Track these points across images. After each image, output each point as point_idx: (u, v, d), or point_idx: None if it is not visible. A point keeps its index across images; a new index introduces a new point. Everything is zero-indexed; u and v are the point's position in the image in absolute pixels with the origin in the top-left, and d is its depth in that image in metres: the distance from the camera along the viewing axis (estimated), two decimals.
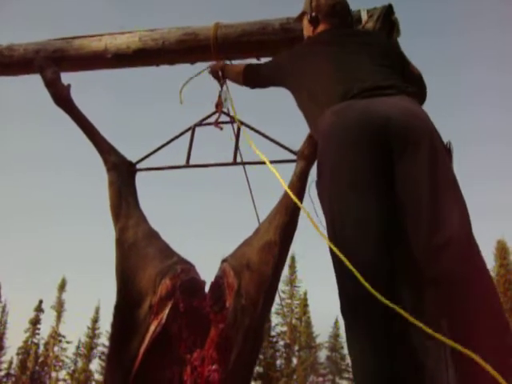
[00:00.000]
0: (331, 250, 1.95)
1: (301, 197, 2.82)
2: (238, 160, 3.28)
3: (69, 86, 3.40)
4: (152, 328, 2.62)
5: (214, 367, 2.49)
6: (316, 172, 2.21)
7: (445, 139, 2.08)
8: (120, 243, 2.99)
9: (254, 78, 3.03)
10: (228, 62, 3.49)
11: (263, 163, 3.07)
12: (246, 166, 3.40)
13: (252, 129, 3.31)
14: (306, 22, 2.80)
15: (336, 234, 1.92)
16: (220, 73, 3.34)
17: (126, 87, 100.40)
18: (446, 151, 2.04)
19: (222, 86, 3.44)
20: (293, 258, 48.79)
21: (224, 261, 2.84)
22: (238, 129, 3.33)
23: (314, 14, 2.71)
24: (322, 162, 2.11)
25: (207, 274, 2.84)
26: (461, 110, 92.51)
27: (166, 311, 2.64)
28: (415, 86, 2.46)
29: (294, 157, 3.06)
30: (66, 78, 3.48)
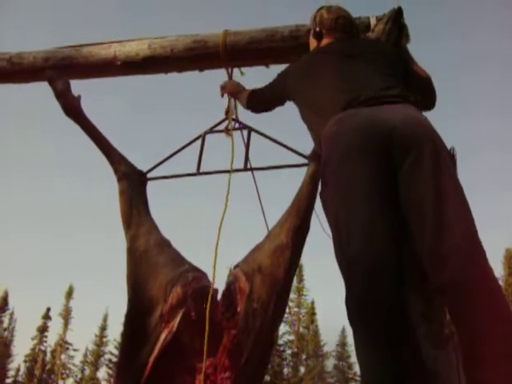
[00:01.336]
0: (338, 257, 1.94)
1: (313, 200, 2.82)
2: (248, 166, 3.28)
3: (79, 96, 3.42)
4: (163, 336, 2.61)
5: (226, 375, 2.48)
6: (320, 181, 2.21)
7: (449, 146, 2.08)
8: (131, 252, 2.98)
9: (258, 97, 3.02)
10: (237, 73, 3.50)
11: (274, 168, 3.05)
12: (258, 172, 3.38)
13: (262, 134, 3.31)
14: (311, 37, 2.84)
15: (342, 243, 1.90)
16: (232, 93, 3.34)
17: (135, 96, 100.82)
18: (450, 158, 2.03)
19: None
20: (300, 267, 48.72)
21: (236, 266, 2.83)
22: (248, 135, 3.33)
23: (317, 28, 2.74)
24: (326, 170, 2.10)
25: (220, 281, 2.84)
26: (470, 116, 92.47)
27: (177, 319, 2.63)
28: (423, 91, 2.46)
29: (305, 161, 3.06)
30: (75, 84, 3.50)
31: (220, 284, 2.83)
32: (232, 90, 3.37)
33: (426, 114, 2.28)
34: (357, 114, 2.10)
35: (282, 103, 2.92)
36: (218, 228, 2.79)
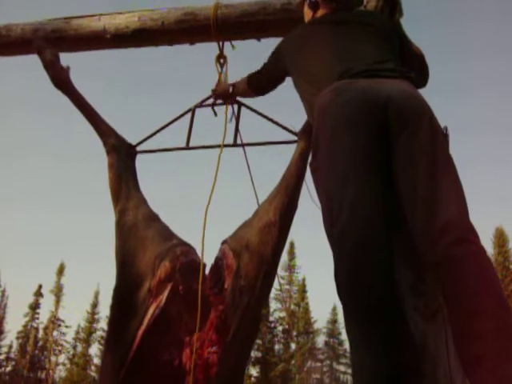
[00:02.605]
0: (327, 229, 1.93)
1: (301, 178, 2.81)
2: (238, 141, 3.26)
3: (68, 68, 3.37)
4: (151, 310, 2.61)
5: (213, 349, 2.48)
6: (311, 151, 2.18)
7: (443, 124, 2.07)
8: (119, 225, 2.97)
9: (258, 80, 2.96)
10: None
11: (263, 144, 3.03)
12: (246, 148, 3.36)
13: (252, 110, 3.29)
14: (305, 7, 2.78)
15: (332, 214, 1.89)
16: (231, 89, 3.26)
17: (123, 75, 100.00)
18: (443, 136, 2.02)
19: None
20: (291, 244, 48.96)
21: (224, 242, 2.82)
22: (239, 110, 3.30)
23: None
24: (317, 140, 2.08)
25: (208, 256, 2.83)
26: (463, 97, 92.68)
27: (165, 294, 2.63)
28: (416, 68, 2.44)
29: (294, 138, 3.04)
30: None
31: (209, 259, 2.84)
32: (224, 92, 3.32)
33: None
34: (354, 84, 2.08)
35: (282, 80, 2.88)
36: (206, 203, 2.78)
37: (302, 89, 2.43)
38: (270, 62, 2.82)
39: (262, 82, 2.96)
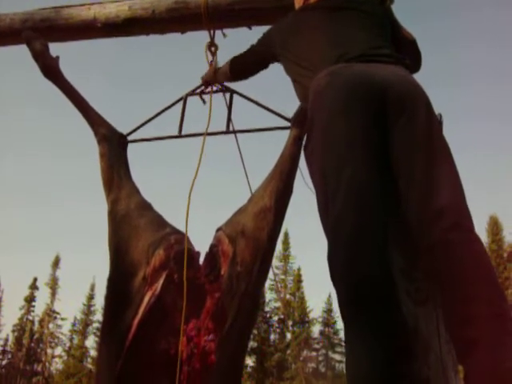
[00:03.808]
0: (322, 213, 1.92)
1: (296, 162, 2.81)
2: (231, 129, 3.25)
3: (57, 57, 3.35)
4: (146, 299, 2.60)
5: (210, 337, 2.48)
6: (306, 134, 2.17)
7: (437, 111, 2.07)
8: (112, 215, 2.96)
9: (242, 60, 2.95)
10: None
11: (256, 131, 3.02)
12: (239, 136, 3.36)
13: (245, 97, 3.28)
14: None
15: (328, 199, 1.87)
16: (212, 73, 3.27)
17: (115, 63, 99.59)
18: (438, 123, 2.03)
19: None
20: (286, 235, 49.00)
21: (219, 229, 2.82)
22: (231, 98, 3.30)
23: None
24: (312, 122, 2.06)
25: (202, 245, 2.83)
26: (456, 85, 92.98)
27: (161, 282, 2.62)
28: (409, 54, 2.44)
29: (288, 124, 3.04)
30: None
31: (204, 247, 2.83)
32: (208, 77, 3.32)
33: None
34: (352, 68, 2.08)
35: (265, 66, 2.87)
36: (189, 188, 2.79)
37: (296, 73, 2.42)
38: (258, 44, 2.81)
39: (246, 63, 2.95)
